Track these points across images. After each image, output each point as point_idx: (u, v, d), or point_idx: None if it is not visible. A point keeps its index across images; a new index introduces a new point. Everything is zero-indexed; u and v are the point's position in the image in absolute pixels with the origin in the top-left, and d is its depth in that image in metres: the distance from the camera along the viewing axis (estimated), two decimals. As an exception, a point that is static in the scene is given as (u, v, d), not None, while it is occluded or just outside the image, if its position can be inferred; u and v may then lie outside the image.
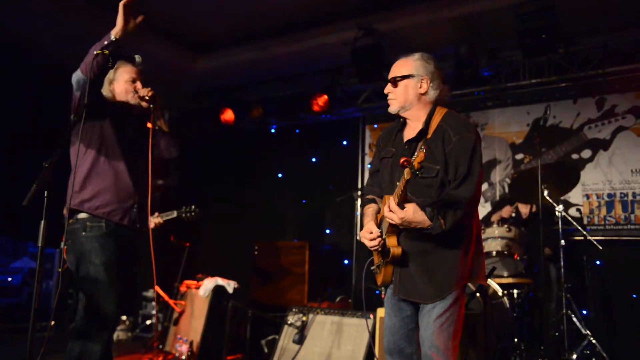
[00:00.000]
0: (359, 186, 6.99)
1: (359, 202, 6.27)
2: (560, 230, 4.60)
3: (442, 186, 2.39)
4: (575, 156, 5.92)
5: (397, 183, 2.35)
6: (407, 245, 2.43)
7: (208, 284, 5.22)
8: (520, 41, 5.37)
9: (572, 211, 5.81)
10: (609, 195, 5.71)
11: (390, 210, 2.31)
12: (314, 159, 7.69)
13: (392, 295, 2.55)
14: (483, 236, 4.95)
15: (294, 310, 4.79)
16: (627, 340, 5.25)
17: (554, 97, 6.10)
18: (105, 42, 2.73)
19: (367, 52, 5.90)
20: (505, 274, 4.80)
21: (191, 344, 4.97)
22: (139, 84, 3.16)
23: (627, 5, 5.18)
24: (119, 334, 6.51)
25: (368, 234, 2.49)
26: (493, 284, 4.62)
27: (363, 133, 7.32)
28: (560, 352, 4.35)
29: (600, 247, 4.74)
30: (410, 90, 2.54)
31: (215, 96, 7.83)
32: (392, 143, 2.64)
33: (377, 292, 4.72)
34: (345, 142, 7.51)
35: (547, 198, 4.66)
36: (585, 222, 5.76)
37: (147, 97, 3.15)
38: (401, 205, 2.29)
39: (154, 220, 4.22)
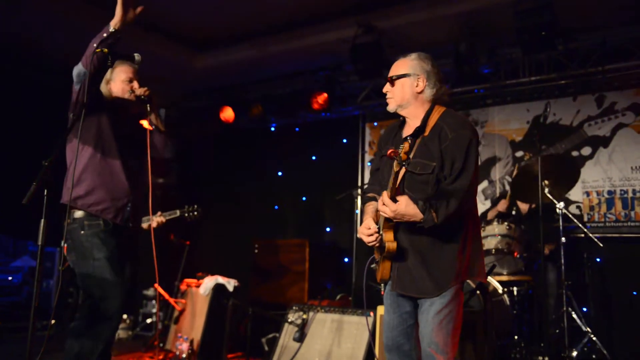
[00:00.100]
0: (359, 184, 6.98)
1: (358, 199, 6.27)
2: (560, 227, 4.60)
3: (438, 182, 2.42)
4: (575, 153, 5.92)
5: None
6: (404, 240, 2.46)
7: (208, 283, 5.22)
8: (519, 38, 5.36)
9: (573, 208, 5.81)
10: (609, 193, 5.71)
11: (384, 204, 2.34)
12: (313, 157, 7.69)
13: (390, 291, 2.58)
14: (483, 234, 4.95)
15: (294, 308, 4.79)
16: (628, 338, 5.25)
17: (553, 95, 6.09)
18: (105, 35, 2.74)
19: (366, 49, 5.89)
20: (505, 271, 4.80)
21: (192, 342, 4.98)
22: (135, 84, 3.17)
23: (626, 1, 5.17)
24: (119, 333, 6.51)
25: (366, 230, 2.52)
26: (493, 281, 4.62)
27: (363, 131, 7.32)
28: (561, 350, 4.36)
29: (601, 244, 4.74)
30: (406, 88, 2.57)
31: (214, 94, 7.83)
32: (392, 141, 2.67)
33: (377, 289, 4.72)
34: (345, 140, 7.51)
35: (548, 195, 4.66)
36: (585, 219, 5.76)
37: (143, 97, 3.15)
38: (394, 198, 2.32)
39: (156, 219, 4.22)
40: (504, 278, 4.77)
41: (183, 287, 5.78)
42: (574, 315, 4.61)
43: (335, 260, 7.10)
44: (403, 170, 2.29)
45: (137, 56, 2.86)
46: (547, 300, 4.64)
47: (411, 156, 2.46)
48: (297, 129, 7.80)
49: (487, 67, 6.23)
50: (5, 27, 5.96)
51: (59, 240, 2.95)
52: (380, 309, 3.95)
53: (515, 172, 5.43)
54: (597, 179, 5.78)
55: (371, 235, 2.49)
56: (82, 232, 2.94)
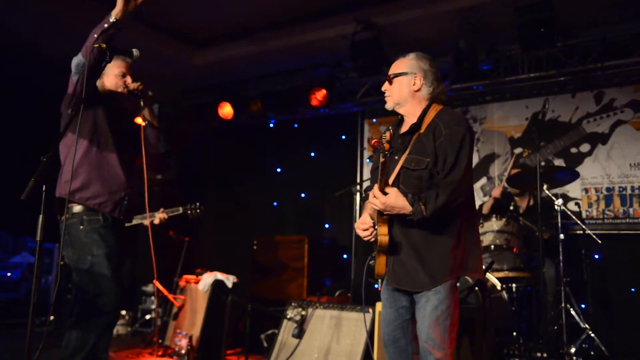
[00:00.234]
0: (358, 181, 6.98)
1: (357, 196, 6.27)
2: (559, 224, 4.61)
3: (431, 178, 2.46)
4: (574, 150, 5.92)
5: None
6: (399, 234, 2.49)
7: (207, 279, 5.22)
8: (518, 35, 5.36)
9: (571, 205, 5.82)
10: (608, 189, 5.71)
11: (374, 196, 2.38)
12: (312, 154, 7.68)
13: (386, 286, 2.62)
14: (481, 230, 4.95)
15: (293, 304, 4.79)
16: (626, 334, 5.26)
17: (552, 91, 6.09)
18: (106, 25, 2.74)
19: (366, 46, 5.88)
20: (504, 267, 4.80)
21: (190, 338, 4.98)
22: (128, 78, 3.17)
23: (626, -2, 5.17)
24: (118, 329, 6.51)
25: (361, 225, 2.57)
26: (492, 277, 4.63)
27: (362, 127, 7.31)
28: (559, 346, 4.36)
29: (599, 241, 4.74)
30: (404, 87, 2.62)
31: (213, 91, 7.81)
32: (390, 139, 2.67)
33: (375, 286, 4.72)
34: (344, 137, 7.50)
35: (547, 192, 4.66)
36: (584, 216, 5.76)
37: (136, 91, 3.15)
38: (384, 190, 2.36)
39: (158, 216, 4.23)
40: (503, 274, 4.77)
41: (182, 283, 5.78)
42: (573, 312, 4.61)
43: (334, 256, 7.10)
44: (399, 164, 2.30)
45: (135, 52, 2.86)
46: (546, 297, 4.64)
47: (407, 152, 2.52)
48: (296, 125, 7.80)
49: (486, 63, 6.23)
50: (5, 27, 5.95)
51: (57, 236, 2.94)
52: (379, 306, 3.95)
53: (512, 164, 5.44)
54: (595, 176, 5.78)
55: (366, 229, 2.54)
56: (81, 227, 2.93)
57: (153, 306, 6.84)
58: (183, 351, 4.93)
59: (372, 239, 2.55)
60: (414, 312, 2.55)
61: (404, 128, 2.64)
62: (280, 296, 6.29)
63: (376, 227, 2.49)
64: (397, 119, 2.77)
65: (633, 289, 5.39)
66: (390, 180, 2.50)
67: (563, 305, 4.44)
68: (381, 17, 5.75)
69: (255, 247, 6.95)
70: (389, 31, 5.85)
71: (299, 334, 4.52)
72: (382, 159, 2.30)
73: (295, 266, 6.51)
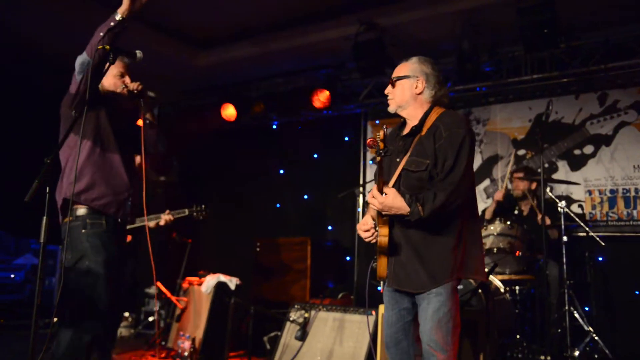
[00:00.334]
0: (361, 182, 6.97)
1: (360, 198, 6.26)
2: (562, 226, 4.59)
3: (431, 180, 2.48)
4: (577, 152, 5.91)
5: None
6: (399, 235, 2.51)
7: (210, 281, 5.22)
8: (521, 36, 5.35)
9: (574, 207, 5.80)
10: (612, 191, 5.69)
11: (373, 196, 2.41)
12: (315, 155, 7.68)
13: (388, 288, 2.63)
14: (484, 233, 4.94)
15: (296, 306, 4.79)
16: (630, 337, 5.23)
17: (556, 93, 6.08)
18: (112, 23, 2.74)
19: (368, 47, 5.87)
20: (507, 270, 4.79)
21: (193, 340, 4.98)
22: (127, 79, 3.16)
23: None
24: (121, 331, 6.52)
25: (362, 226, 2.60)
26: (495, 280, 4.62)
27: (365, 129, 7.30)
28: (563, 349, 4.36)
29: (603, 244, 4.73)
30: (406, 90, 2.66)
31: (216, 92, 7.82)
32: (393, 142, 2.72)
33: (378, 288, 4.71)
34: (346, 138, 7.50)
35: (550, 194, 4.65)
36: (587, 218, 5.74)
37: (136, 91, 3.14)
38: (382, 191, 2.39)
39: (164, 217, 4.22)
40: (506, 277, 4.76)
41: (185, 285, 5.78)
42: (576, 315, 4.60)
43: (337, 258, 7.09)
44: (401, 165, 2.31)
45: (138, 53, 2.85)
46: (549, 300, 4.63)
47: (408, 154, 2.54)
48: (299, 127, 7.79)
49: (489, 65, 6.22)
50: (5, 27, 5.96)
51: (61, 238, 2.93)
52: (382, 308, 3.94)
53: (511, 161, 5.44)
54: (599, 178, 5.76)
55: (367, 230, 2.57)
56: (84, 230, 2.90)
57: (156, 308, 6.84)
58: (186, 353, 4.93)
59: (374, 240, 2.56)
60: (416, 313, 2.55)
61: (406, 130, 2.66)
62: (282, 298, 6.28)
63: (377, 228, 2.51)
64: (399, 121, 2.78)
65: (637, 292, 5.37)
66: (392, 182, 2.52)
67: (567, 307, 4.43)
68: (384, 18, 5.74)
69: (257, 249, 6.95)
70: (392, 32, 5.84)
71: (302, 336, 4.51)
72: (378, 158, 2.34)
73: (298, 268, 6.51)
